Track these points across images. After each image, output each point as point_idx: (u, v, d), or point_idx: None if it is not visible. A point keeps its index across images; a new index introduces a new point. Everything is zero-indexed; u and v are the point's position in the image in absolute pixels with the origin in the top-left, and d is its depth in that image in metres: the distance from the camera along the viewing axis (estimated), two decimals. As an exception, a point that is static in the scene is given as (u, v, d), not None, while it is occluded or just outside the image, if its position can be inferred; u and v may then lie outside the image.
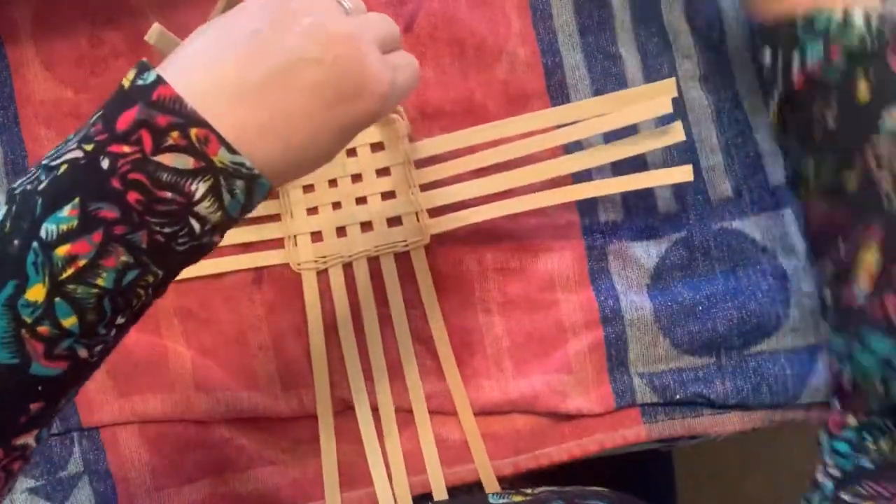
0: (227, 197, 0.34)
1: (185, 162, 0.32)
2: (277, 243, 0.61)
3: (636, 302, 0.60)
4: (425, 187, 0.61)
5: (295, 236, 0.61)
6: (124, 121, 0.32)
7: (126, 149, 0.32)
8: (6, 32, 0.62)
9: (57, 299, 0.32)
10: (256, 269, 0.60)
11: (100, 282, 0.33)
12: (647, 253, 0.61)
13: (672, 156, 0.62)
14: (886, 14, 0.44)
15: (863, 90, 0.42)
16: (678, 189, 0.62)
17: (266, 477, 0.59)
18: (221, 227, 0.35)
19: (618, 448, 0.59)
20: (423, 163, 0.61)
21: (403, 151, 0.61)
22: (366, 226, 0.61)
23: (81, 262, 0.32)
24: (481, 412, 0.59)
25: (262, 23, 0.35)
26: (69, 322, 0.33)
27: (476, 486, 0.59)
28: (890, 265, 0.41)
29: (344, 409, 0.60)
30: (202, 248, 0.35)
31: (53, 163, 0.33)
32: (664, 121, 0.60)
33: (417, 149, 0.61)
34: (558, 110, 0.61)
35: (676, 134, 0.60)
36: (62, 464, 0.58)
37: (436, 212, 0.61)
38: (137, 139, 0.32)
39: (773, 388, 0.59)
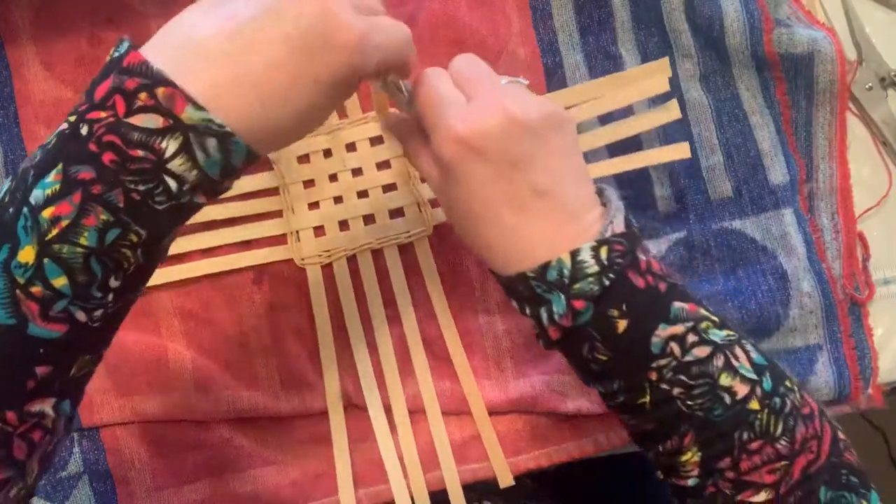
0: (200, 155, 0.35)
1: (155, 121, 0.34)
2: (280, 240, 0.61)
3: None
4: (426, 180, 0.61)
5: (297, 231, 0.61)
6: (101, 90, 0.34)
7: (102, 114, 0.34)
8: (6, 32, 0.61)
9: (45, 260, 0.34)
10: (257, 268, 0.60)
11: (83, 241, 0.34)
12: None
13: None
14: (616, 240, 0.42)
15: (620, 324, 0.41)
16: (678, 189, 0.62)
17: (266, 477, 0.58)
18: (204, 188, 0.36)
19: (617, 448, 0.59)
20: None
21: (403, 144, 0.61)
22: (368, 218, 0.61)
23: (64, 223, 0.34)
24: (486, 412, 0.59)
25: None
26: (59, 282, 0.34)
27: (468, 488, 0.59)
28: (708, 462, 0.42)
29: (347, 406, 0.59)
30: (183, 208, 0.36)
31: (47, 140, 0.35)
32: (659, 105, 0.61)
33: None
34: (555, 95, 0.62)
35: (672, 112, 0.60)
36: (62, 464, 0.58)
37: (437, 202, 0.61)
38: (112, 104, 0.34)
39: None
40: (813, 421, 0.43)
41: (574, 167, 0.45)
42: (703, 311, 0.43)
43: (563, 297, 0.41)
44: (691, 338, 0.42)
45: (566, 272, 0.41)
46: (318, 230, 0.61)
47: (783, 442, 0.42)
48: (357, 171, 0.61)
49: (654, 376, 0.42)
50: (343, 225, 0.61)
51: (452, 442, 0.59)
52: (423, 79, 0.44)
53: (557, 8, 0.63)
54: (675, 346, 0.42)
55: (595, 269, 0.41)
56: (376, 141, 0.62)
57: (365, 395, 0.59)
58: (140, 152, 0.34)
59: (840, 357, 0.60)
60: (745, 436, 0.41)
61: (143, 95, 0.34)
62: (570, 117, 0.45)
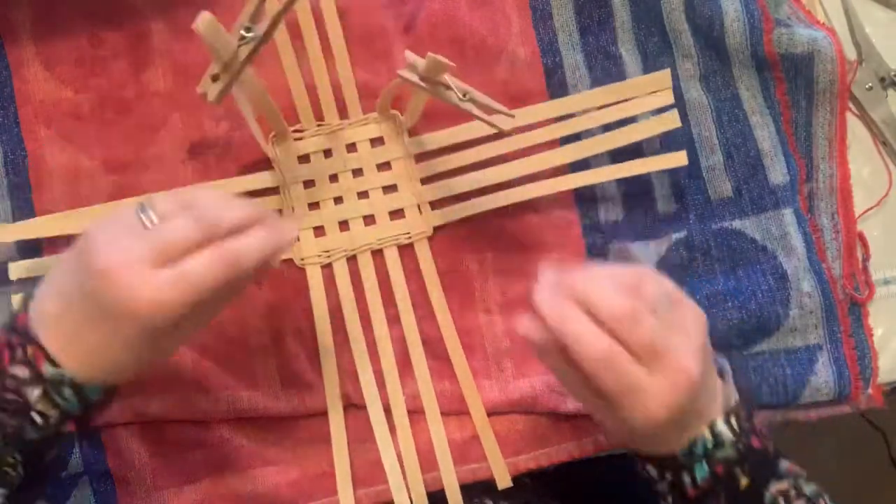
0: (59, 399, 0.43)
1: (25, 372, 0.42)
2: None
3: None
4: (426, 180, 0.61)
5: (297, 232, 0.61)
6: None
7: None
8: (6, 32, 0.61)
9: None
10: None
11: None
12: (647, 253, 0.61)
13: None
14: (740, 408, 0.47)
15: (743, 481, 0.46)
16: (678, 189, 0.62)
17: (266, 477, 0.58)
18: (67, 419, 0.44)
19: (616, 448, 0.59)
20: (423, 157, 0.61)
21: (404, 145, 0.61)
22: (368, 219, 0.61)
23: None
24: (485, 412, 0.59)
25: (75, 255, 0.43)
26: None
27: (468, 487, 0.59)
28: None
29: (346, 406, 0.59)
30: (51, 437, 0.44)
31: None
32: (661, 114, 0.61)
33: (417, 143, 0.61)
34: (556, 103, 0.62)
35: (672, 121, 0.60)
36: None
37: (437, 204, 0.61)
38: (1, 354, 0.42)
39: (774, 388, 0.59)
40: None
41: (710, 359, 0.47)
42: (797, 468, 0.49)
43: (705, 464, 0.46)
44: (793, 493, 0.47)
45: (709, 445, 0.46)
46: (318, 230, 0.61)
47: None
48: (357, 172, 0.61)
49: None
50: (343, 225, 0.61)
51: (452, 442, 0.59)
52: (601, 361, 0.43)
53: (557, 8, 0.63)
54: (782, 501, 0.47)
55: (731, 438, 0.46)
56: (377, 142, 0.62)
57: (364, 395, 0.59)
58: (12, 396, 0.42)
59: (840, 357, 0.60)
60: None
61: (19, 350, 0.42)
62: (704, 317, 0.47)
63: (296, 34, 0.61)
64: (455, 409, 0.59)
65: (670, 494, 0.48)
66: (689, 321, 0.46)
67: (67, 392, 0.43)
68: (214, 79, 0.49)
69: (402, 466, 0.58)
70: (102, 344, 0.42)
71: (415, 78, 0.51)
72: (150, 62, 0.62)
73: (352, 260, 0.61)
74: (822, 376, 0.59)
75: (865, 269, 0.62)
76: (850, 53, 0.65)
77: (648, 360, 0.43)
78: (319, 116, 0.61)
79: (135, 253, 0.41)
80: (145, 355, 0.44)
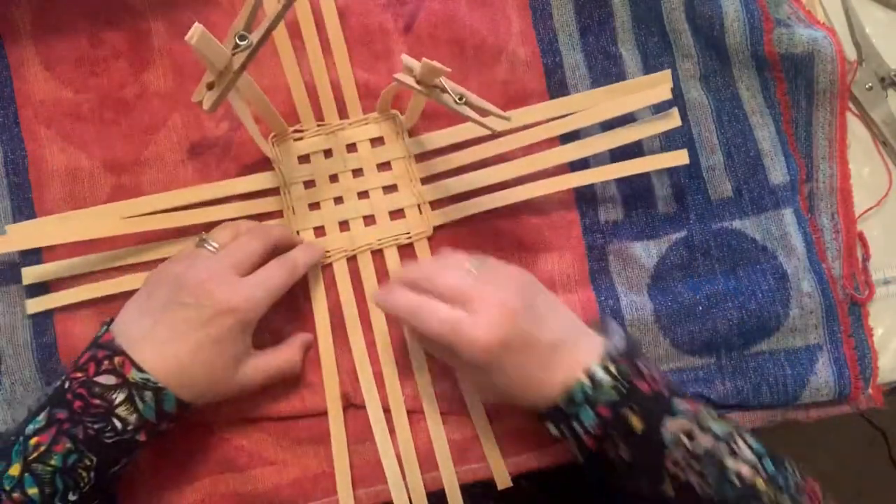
0: (140, 404, 0.49)
1: (111, 380, 0.49)
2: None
3: (636, 302, 0.60)
4: (426, 180, 0.61)
5: (298, 232, 0.61)
6: (84, 358, 0.50)
7: (79, 374, 0.49)
8: (6, 32, 0.62)
9: (26, 474, 0.48)
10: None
11: (53, 462, 0.48)
12: (647, 253, 0.61)
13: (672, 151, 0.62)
14: (616, 349, 0.51)
15: (636, 422, 0.49)
16: (678, 189, 0.62)
17: (266, 477, 0.58)
18: (145, 428, 0.50)
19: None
20: (423, 157, 0.61)
21: (404, 146, 0.61)
22: (368, 219, 0.61)
23: (42, 448, 0.48)
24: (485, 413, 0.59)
25: (152, 286, 0.53)
26: (32, 491, 0.48)
27: (468, 487, 0.59)
28: None
29: (346, 406, 0.59)
30: (126, 444, 0.49)
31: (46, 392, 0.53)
32: (661, 112, 0.61)
33: (418, 143, 0.61)
34: (556, 102, 0.62)
35: (672, 120, 0.60)
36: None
37: (437, 204, 0.61)
38: (86, 368, 0.49)
39: (773, 388, 0.59)
40: (816, 495, 0.50)
41: (562, 311, 0.54)
42: (701, 407, 0.51)
43: (589, 409, 0.49)
44: (696, 430, 0.49)
45: (588, 390, 0.49)
46: (319, 230, 0.61)
47: None
48: (357, 172, 0.62)
49: (669, 465, 0.49)
50: (343, 225, 0.61)
51: (453, 442, 0.59)
52: (415, 315, 0.51)
53: (557, 8, 0.63)
54: (684, 438, 0.49)
55: (609, 380, 0.49)
56: (377, 142, 0.62)
57: (364, 395, 0.59)
58: (98, 401, 0.48)
59: (840, 357, 0.60)
60: None
61: (106, 362, 0.49)
62: (508, 265, 0.54)
63: (295, 34, 0.61)
64: (455, 410, 0.59)
65: (580, 454, 0.52)
66: (501, 275, 0.52)
67: (148, 396, 0.49)
68: (210, 87, 0.49)
69: (401, 466, 0.58)
70: (192, 351, 0.50)
71: (411, 81, 0.51)
72: (150, 62, 0.62)
73: (352, 260, 0.61)
74: (822, 376, 0.59)
75: (865, 269, 0.62)
76: (850, 53, 0.65)
77: (463, 302, 0.50)
78: (319, 116, 0.61)
79: (219, 267, 0.52)
80: (229, 360, 0.52)
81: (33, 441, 0.48)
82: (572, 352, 0.51)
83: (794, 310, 0.60)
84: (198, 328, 0.51)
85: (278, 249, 0.57)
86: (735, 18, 0.60)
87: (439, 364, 0.59)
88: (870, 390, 0.60)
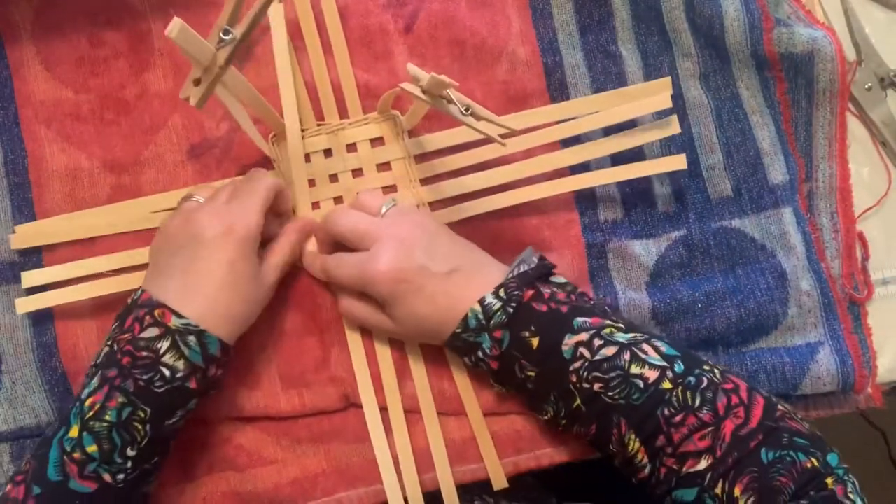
0: (184, 348, 0.50)
1: (154, 331, 0.50)
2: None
3: (635, 299, 0.60)
4: (426, 181, 0.61)
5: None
6: (129, 321, 0.52)
7: (126, 335, 0.51)
8: (6, 33, 0.62)
9: (84, 433, 0.49)
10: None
11: (107, 417, 0.49)
12: (646, 251, 0.61)
13: (672, 154, 0.62)
14: (521, 269, 0.54)
15: (533, 341, 0.52)
16: (678, 188, 0.62)
17: (266, 476, 0.58)
18: (193, 375, 0.51)
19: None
20: (423, 157, 0.62)
21: (404, 146, 0.61)
22: (368, 219, 0.61)
23: (97, 406, 0.49)
24: (482, 413, 0.59)
25: (158, 252, 0.56)
26: (91, 449, 0.49)
27: (465, 487, 0.59)
28: (647, 443, 0.49)
29: (346, 406, 0.60)
30: (176, 391, 0.51)
31: (95, 361, 0.52)
32: (662, 118, 0.61)
33: (418, 143, 0.61)
34: (557, 107, 0.62)
35: (672, 127, 0.60)
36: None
37: (437, 204, 0.61)
38: (131, 328, 0.51)
39: (771, 376, 0.59)
40: (738, 392, 0.50)
41: (463, 246, 0.57)
42: (606, 322, 0.52)
43: (486, 334, 0.52)
44: (597, 342, 0.51)
45: (481, 316, 0.52)
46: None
47: (705, 410, 0.48)
48: (357, 172, 0.62)
49: (574, 378, 0.51)
50: (343, 225, 0.61)
51: (452, 442, 0.59)
52: (328, 263, 0.57)
53: (557, 7, 0.63)
54: (583, 350, 0.51)
55: (499, 304, 0.52)
56: (377, 142, 0.62)
57: (361, 395, 0.59)
58: (144, 353, 0.50)
59: (843, 349, 0.59)
60: (666, 411, 0.49)
61: (147, 318, 0.51)
62: (417, 210, 0.58)
63: (296, 34, 0.62)
64: (454, 410, 0.59)
65: (494, 381, 0.56)
66: (405, 216, 0.56)
67: (192, 340, 0.51)
68: (196, 83, 0.49)
69: (398, 467, 0.58)
70: (215, 283, 0.52)
71: (417, 91, 0.51)
72: (150, 63, 0.62)
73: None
74: (824, 365, 0.59)
75: (864, 269, 0.62)
76: (850, 54, 0.65)
77: (366, 243, 0.54)
78: (320, 116, 0.61)
79: (214, 203, 0.55)
80: (254, 282, 0.54)
81: (88, 402, 0.50)
82: (469, 282, 0.54)
83: (793, 308, 0.60)
84: (208, 260, 0.53)
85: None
86: (735, 18, 0.60)
87: (437, 364, 0.59)
88: (869, 389, 0.60)
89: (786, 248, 0.61)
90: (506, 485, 0.58)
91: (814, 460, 0.47)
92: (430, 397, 0.59)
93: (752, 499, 0.46)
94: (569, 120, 0.61)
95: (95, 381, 0.51)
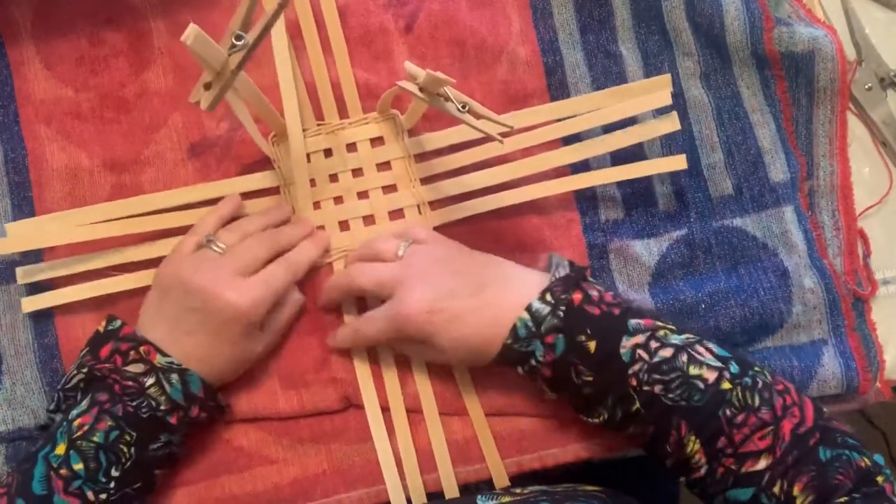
0: (167, 386, 0.53)
1: (139, 367, 0.53)
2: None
3: (637, 300, 0.60)
4: (426, 180, 0.61)
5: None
6: (105, 351, 0.54)
7: (108, 365, 0.53)
8: (7, 32, 0.62)
9: (71, 452, 0.51)
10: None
11: (95, 438, 0.51)
12: (648, 251, 0.61)
13: (672, 153, 0.62)
14: (556, 274, 0.54)
15: (590, 345, 0.51)
16: (679, 187, 0.62)
17: (266, 477, 0.58)
18: (174, 412, 0.53)
19: (623, 450, 0.59)
20: (423, 157, 0.61)
21: (404, 146, 0.61)
22: (368, 219, 0.61)
23: (86, 427, 0.52)
24: (486, 414, 0.59)
25: (163, 290, 0.56)
26: (77, 467, 0.51)
27: (474, 487, 0.59)
28: (708, 444, 0.49)
29: (347, 407, 0.59)
30: (159, 420, 0.53)
31: (68, 385, 0.54)
32: (661, 115, 0.61)
33: (417, 143, 0.61)
34: (557, 105, 0.62)
35: (672, 123, 0.60)
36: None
37: (437, 204, 0.61)
38: (112, 359, 0.53)
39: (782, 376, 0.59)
40: (789, 393, 0.50)
41: (480, 260, 0.57)
42: (658, 323, 0.52)
43: (538, 341, 0.51)
44: (654, 343, 0.51)
45: (530, 324, 0.51)
46: (319, 230, 0.61)
47: (764, 410, 0.49)
48: (357, 172, 0.61)
49: (634, 382, 0.50)
50: (343, 225, 0.61)
51: (455, 442, 0.59)
52: (360, 333, 0.57)
53: (558, 7, 0.63)
54: (642, 352, 0.50)
55: (548, 309, 0.51)
56: (377, 142, 0.62)
57: (362, 394, 0.59)
58: (131, 383, 0.52)
59: (846, 350, 0.59)
60: (727, 412, 0.49)
61: (132, 352, 0.53)
62: (432, 238, 0.58)
63: (296, 34, 0.61)
64: (457, 410, 0.59)
65: (546, 387, 0.54)
66: (423, 250, 0.56)
67: (174, 378, 0.53)
68: (207, 87, 0.49)
69: (400, 468, 0.58)
70: (210, 347, 0.54)
71: (414, 89, 0.51)
72: (150, 61, 0.62)
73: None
74: (829, 369, 0.59)
75: (867, 265, 0.62)
76: (850, 54, 0.65)
77: (391, 290, 0.55)
78: (320, 116, 0.61)
79: (225, 272, 0.54)
80: (243, 351, 0.56)
81: (77, 422, 0.52)
82: (503, 293, 0.53)
83: (797, 306, 0.60)
84: (211, 332, 0.54)
85: (285, 249, 0.59)
86: (735, 17, 0.60)
87: (433, 366, 0.59)
88: (878, 384, 0.60)
89: (787, 247, 0.61)
90: (507, 483, 0.58)
91: (866, 459, 0.48)
92: (432, 396, 0.59)
93: (810, 497, 0.46)
94: (569, 118, 0.61)
95: (85, 404, 0.53)
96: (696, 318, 0.60)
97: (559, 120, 0.61)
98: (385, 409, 0.59)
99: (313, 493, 0.58)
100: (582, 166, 0.61)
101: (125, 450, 0.52)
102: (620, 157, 0.62)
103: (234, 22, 0.47)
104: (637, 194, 0.62)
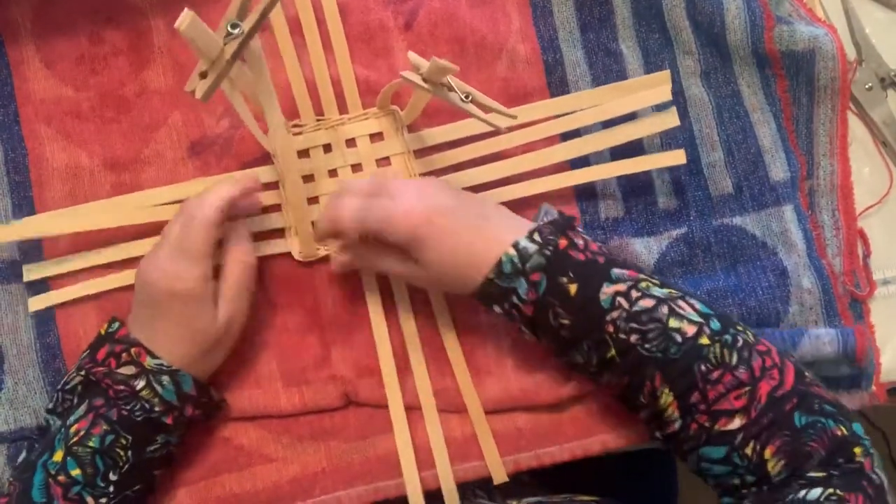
0: (158, 387, 0.53)
1: (130, 369, 0.53)
2: (278, 234, 0.61)
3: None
4: (425, 176, 0.61)
5: (296, 226, 0.60)
6: (101, 353, 0.54)
7: (102, 369, 0.53)
8: (6, 31, 0.62)
9: (68, 458, 0.51)
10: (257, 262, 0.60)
11: (91, 443, 0.52)
12: (647, 249, 0.61)
13: (672, 149, 0.62)
14: (544, 221, 0.53)
15: (571, 287, 0.50)
16: (678, 185, 0.62)
17: (265, 475, 0.58)
18: (169, 413, 0.53)
19: (622, 448, 0.59)
20: (422, 153, 0.61)
21: (403, 141, 0.61)
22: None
23: (82, 433, 0.52)
24: (483, 411, 0.59)
25: (136, 285, 0.55)
26: (75, 472, 0.51)
27: (472, 484, 0.59)
28: (681, 398, 0.49)
29: (347, 404, 0.59)
30: (154, 421, 0.53)
31: (67, 386, 0.54)
32: (661, 112, 0.61)
33: (417, 139, 0.61)
34: (557, 101, 0.62)
35: (671, 118, 0.60)
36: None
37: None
38: (107, 362, 0.53)
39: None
40: (770, 355, 0.49)
41: (485, 199, 0.57)
42: (642, 276, 0.52)
43: (522, 278, 0.51)
44: (635, 293, 0.50)
45: (517, 260, 0.51)
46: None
47: (741, 369, 0.48)
48: (357, 167, 0.62)
49: (611, 328, 0.50)
50: (342, 220, 0.61)
51: (455, 440, 0.59)
52: (356, 218, 0.54)
53: (558, 5, 0.63)
54: (622, 300, 0.50)
55: (535, 248, 0.51)
56: (376, 137, 0.62)
57: (362, 392, 0.59)
58: (122, 387, 0.52)
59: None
60: (703, 367, 0.48)
61: (124, 354, 0.53)
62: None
63: (296, 30, 0.62)
64: (457, 407, 0.59)
65: (524, 327, 0.54)
66: (415, 181, 0.57)
67: (165, 380, 0.53)
68: (202, 76, 0.49)
69: (400, 465, 0.58)
70: (177, 332, 0.54)
71: (417, 79, 0.51)
72: (150, 60, 0.62)
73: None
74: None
75: (866, 266, 0.62)
76: (850, 54, 0.64)
77: (385, 193, 0.53)
78: (319, 111, 0.61)
79: (159, 255, 0.54)
80: (206, 329, 0.54)
81: (74, 428, 0.52)
82: (498, 228, 0.53)
83: (794, 306, 0.60)
84: (168, 316, 0.54)
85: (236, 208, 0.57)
86: (736, 15, 0.60)
87: (439, 361, 0.59)
88: (872, 387, 0.60)
89: (787, 246, 0.61)
90: (506, 479, 0.58)
91: (843, 428, 0.47)
92: (431, 393, 0.59)
93: (782, 461, 0.46)
94: (569, 114, 0.61)
95: (82, 410, 0.53)
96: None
97: (559, 116, 0.61)
98: (384, 407, 0.59)
99: (312, 491, 0.58)
100: (582, 161, 0.61)
101: (122, 453, 0.52)
102: (620, 153, 0.62)
103: (230, 10, 0.47)
104: (637, 192, 0.62)
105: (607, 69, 0.63)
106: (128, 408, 0.52)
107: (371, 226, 0.53)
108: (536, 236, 0.51)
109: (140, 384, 0.52)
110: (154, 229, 0.59)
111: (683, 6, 0.61)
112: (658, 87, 0.60)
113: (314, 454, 0.59)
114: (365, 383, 0.59)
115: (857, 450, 0.47)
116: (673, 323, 0.49)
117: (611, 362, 0.50)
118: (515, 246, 0.51)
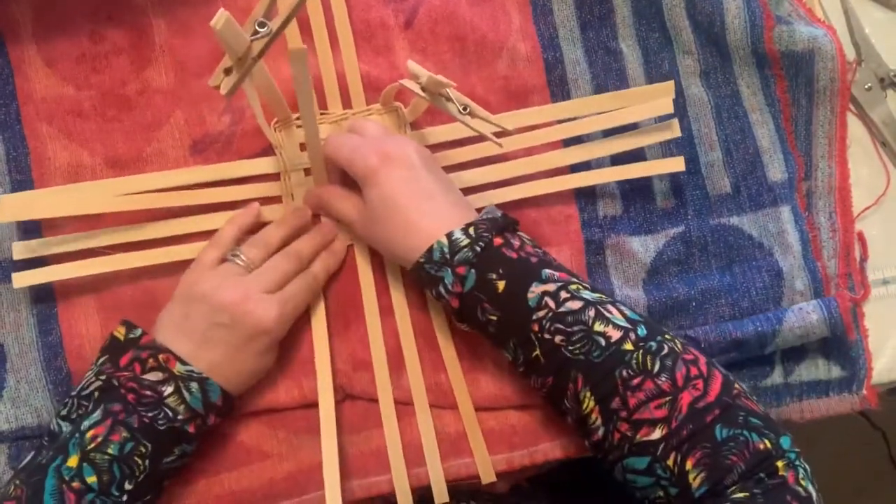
0: (186, 394, 0.52)
1: (158, 375, 0.52)
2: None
3: (631, 296, 0.60)
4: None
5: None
6: (125, 359, 0.53)
7: (126, 373, 0.52)
8: (7, 30, 0.62)
9: (84, 464, 0.50)
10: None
11: (110, 450, 0.50)
12: (644, 247, 0.61)
13: (671, 152, 0.62)
14: (482, 221, 0.53)
15: (499, 284, 0.51)
16: (677, 184, 0.62)
17: (261, 472, 0.58)
18: (192, 421, 0.53)
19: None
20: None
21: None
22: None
23: (99, 439, 0.51)
24: (477, 408, 0.59)
25: (186, 305, 0.55)
26: (91, 479, 0.50)
27: (454, 495, 0.59)
28: (602, 403, 0.49)
29: (343, 398, 0.59)
30: (177, 431, 0.52)
31: (84, 392, 0.53)
32: (663, 120, 0.61)
33: (420, 136, 0.61)
34: (558, 106, 0.62)
35: (673, 130, 0.61)
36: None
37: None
38: (132, 368, 0.52)
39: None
40: (697, 364, 0.49)
41: (448, 179, 0.57)
42: (573, 278, 0.52)
43: (449, 269, 0.52)
44: (563, 294, 0.51)
45: (446, 250, 0.52)
46: (317, 218, 0.61)
47: (663, 378, 0.48)
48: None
49: (536, 328, 0.50)
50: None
51: (448, 436, 0.59)
52: (331, 142, 0.56)
53: (558, 3, 0.63)
54: (549, 300, 0.50)
55: (467, 241, 0.51)
56: (377, 132, 0.62)
57: (357, 385, 0.59)
58: (149, 392, 0.51)
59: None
60: (624, 373, 0.48)
61: (151, 360, 0.52)
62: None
63: (303, 26, 0.62)
64: (451, 403, 0.59)
65: (455, 318, 0.55)
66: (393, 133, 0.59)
67: (194, 387, 0.52)
68: (227, 72, 0.49)
69: (387, 459, 0.58)
70: (235, 362, 0.54)
71: (416, 88, 0.52)
72: (151, 59, 0.62)
73: (349, 249, 0.61)
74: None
75: (862, 270, 0.62)
76: (850, 54, 0.65)
77: (361, 131, 0.57)
78: (323, 106, 0.62)
79: (253, 288, 0.55)
80: (264, 364, 0.57)
81: (90, 433, 0.51)
82: (441, 212, 0.54)
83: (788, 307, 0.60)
84: (235, 347, 0.54)
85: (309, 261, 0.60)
86: (736, 15, 0.60)
87: (434, 357, 0.59)
88: (864, 391, 0.60)
89: (783, 247, 0.61)
90: (494, 479, 0.58)
91: (767, 442, 0.46)
92: (423, 389, 0.59)
93: (702, 474, 0.46)
94: (570, 120, 0.61)
95: (98, 414, 0.52)
96: (685, 315, 0.60)
97: (561, 121, 0.61)
98: (374, 401, 0.59)
99: (307, 487, 0.58)
100: (581, 166, 0.62)
101: (140, 462, 0.51)
102: (620, 157, 0.62)
103: (258, 9, 0.48)
104: (635, 191, 0.62)
105: (607, 68, 0.63)
106: (150, 415, 0.51)
107: (343, 155, 0.55)
108: (472, 230, 0.52)
109: (168, 390, 0.52)
110: (150, 214, 0.59)
111: (683, 6, 0.62)
112: (661, 97, 0.60)
113: (309, 449, 0.58)
114: (360, 377, 0.59)
115: (780, 463, 0.46)
116: (598, 326, 0.49)
117: (536, 362, 0.51)
118: (449, 236, 0.52)
